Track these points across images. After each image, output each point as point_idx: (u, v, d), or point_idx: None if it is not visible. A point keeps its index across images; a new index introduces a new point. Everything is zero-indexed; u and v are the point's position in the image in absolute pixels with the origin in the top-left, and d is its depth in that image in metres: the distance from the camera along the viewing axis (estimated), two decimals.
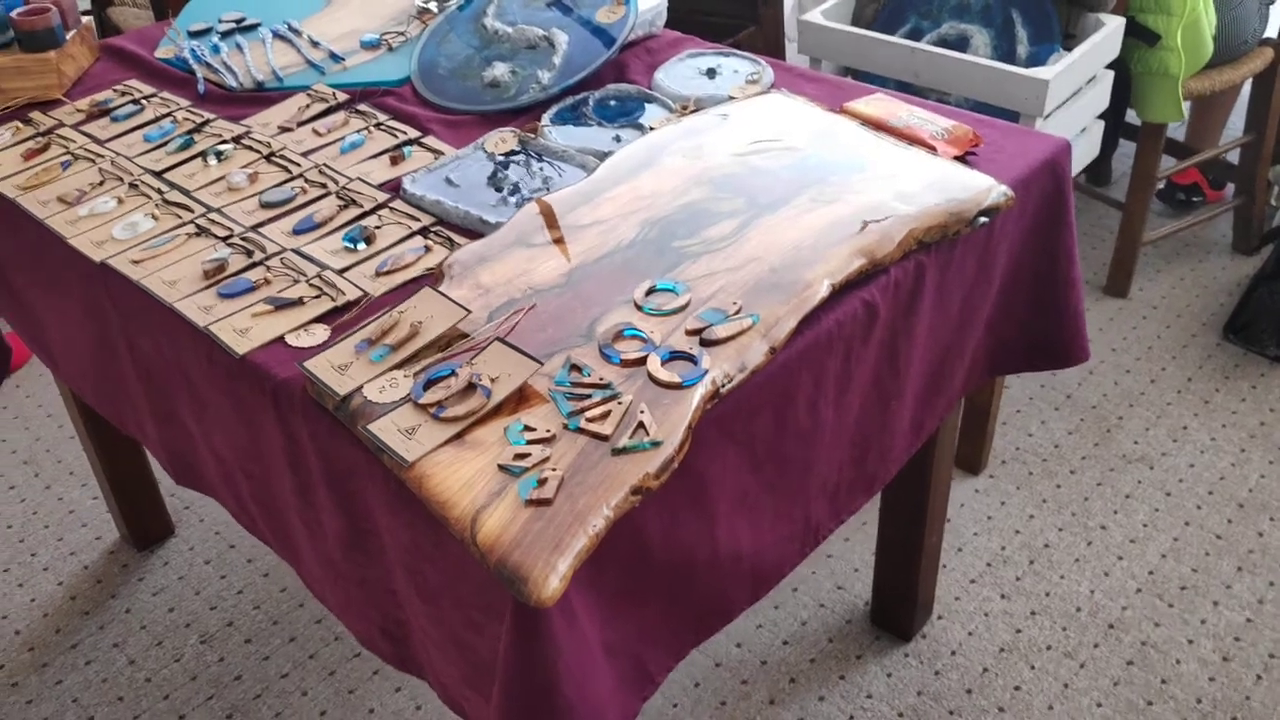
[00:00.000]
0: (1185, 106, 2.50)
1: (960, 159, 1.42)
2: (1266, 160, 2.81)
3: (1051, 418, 2.49)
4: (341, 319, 1.22)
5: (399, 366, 1.09)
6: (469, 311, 1.13)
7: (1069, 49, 2.02)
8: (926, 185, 1.32)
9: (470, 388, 1.04)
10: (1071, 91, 1.96)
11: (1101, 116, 2.22)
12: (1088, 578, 2.11)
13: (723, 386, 1.06)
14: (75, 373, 1.62)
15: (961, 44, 2.10)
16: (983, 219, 1.30)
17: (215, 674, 2.00)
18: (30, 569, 2.23)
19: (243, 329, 1.21)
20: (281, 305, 1.24)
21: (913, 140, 1.43)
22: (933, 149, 1.42)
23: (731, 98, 1.61)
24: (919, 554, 1.87)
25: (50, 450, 2.53)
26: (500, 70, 1.68)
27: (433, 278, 1.25)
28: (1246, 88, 2.80)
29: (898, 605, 1.98)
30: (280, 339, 1.20)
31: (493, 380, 1.04)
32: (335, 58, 1.82)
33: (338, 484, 1.13)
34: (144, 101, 1.72)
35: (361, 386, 1.06)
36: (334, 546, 1.21)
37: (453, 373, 1.06)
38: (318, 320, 1.23)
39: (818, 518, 1.33)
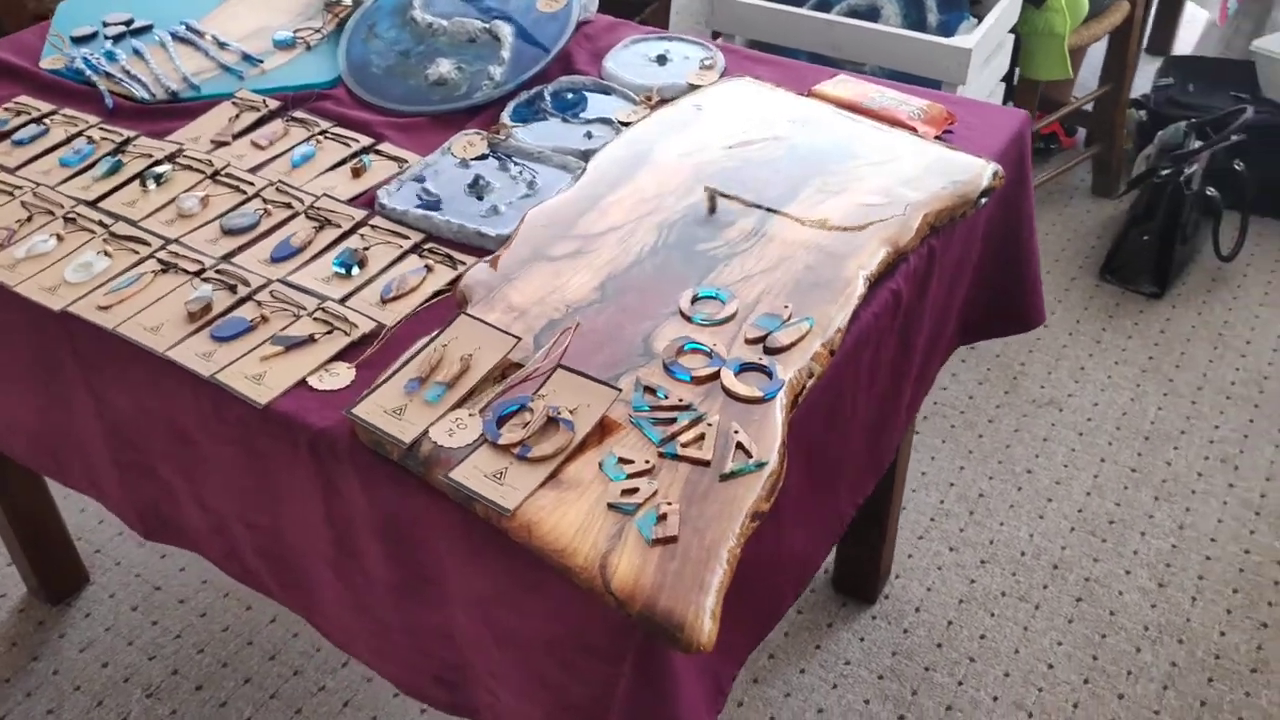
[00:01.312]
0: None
1: (939, 138, 1.44)
2: (1123, 108, 2.98)
3: (960, 370, 2.58)
4: (362, 355, 1.14)
5: (458, 405, 1.03)
6: (519, 339, 1.07)
7: (978, 16, 2.07)
8: (925, 169, 1.33)
9: (550, 422, 0.99)
10: (985, 58, 2.01)
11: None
12: (1025, 522, 2.21)
13: (799, 395, 1.05)
14: (7, 424, 1.46)
15: (872, 14, 2.12)
16: (983, 199, 1.32)
17: None
18: None
19: (255, 375, 1.12)
20: (292, 345, 1.15)
21: (892, 122, 1.44)
22: (913, 130, 1.43)
23: (691, 85, 1.57)
24: (885, 522, 1.92)
25: None
26: (445, 67, 1.60)
27: (454, 301, 1.18)
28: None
29: (860, 571, 2.02)
30: (302, 383, 1.11)
31: (571, 412, 0.99)
32: (251, 60, 1.68)
33: (392, 534, 1.06)
34: (46, 121, 1.55)
35: (427, 430, 1.00)
36: (379, 597, 1.13)
37: (524, 407, 1.01)
38: (336, 358, 1.14)
39: (843, 507, 1.34)
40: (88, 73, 1.65)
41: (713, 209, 1.18)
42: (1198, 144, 2.72)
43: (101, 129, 1.53)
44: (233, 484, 1.20)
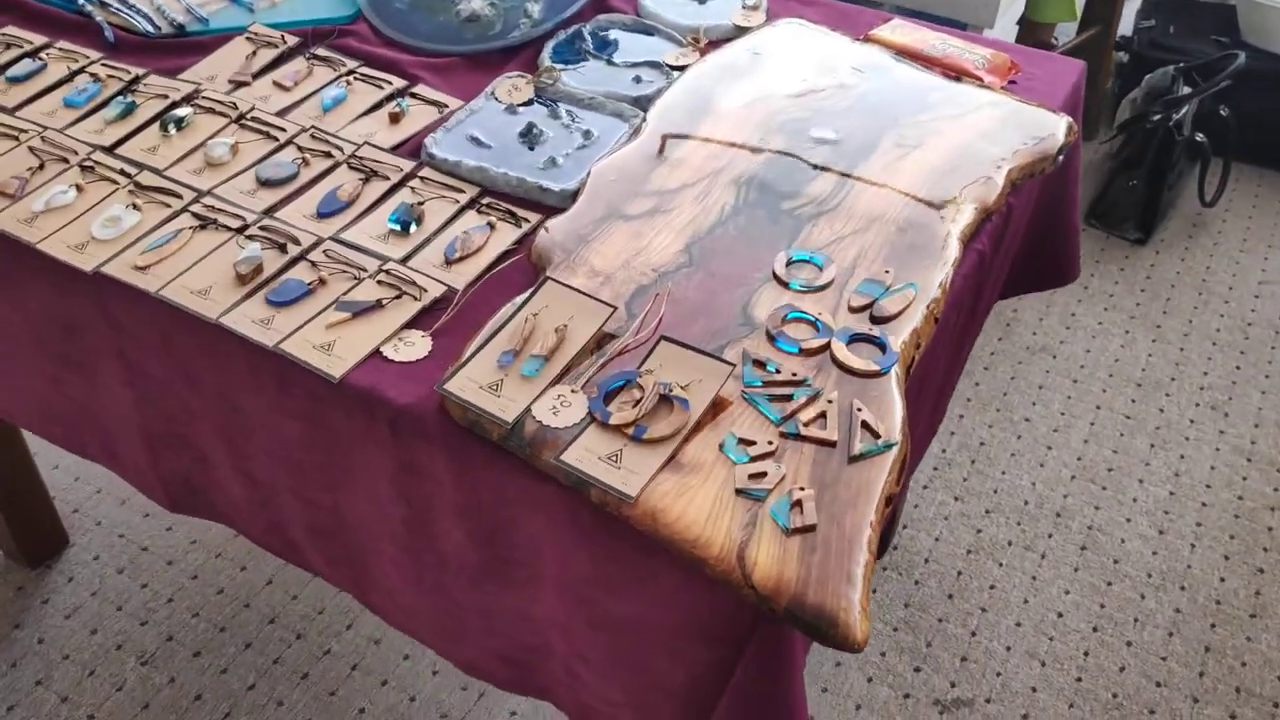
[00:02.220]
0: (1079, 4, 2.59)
1: (1004, 89, 1.39)
2: (1110, 50, 2.96)
3: None
4: (438, 323, 1.07)
5: (558, 380, 0.96)
6: (615, 308, 1.01)
7: None
8: (1002, 123, 1.29)
9: (663, 400, 0.93)
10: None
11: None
12: (1026, 470, 2.22)
13: (911, 366, 1.00)
14: (14, 396, 1.36)
15: None
16: (1060, 156, 1.29)
17: (170, 699, 1.79)
18: None
19: (323, 344, 1.04)
20: (359, 310, 1.07)
21: (958, 71, 1.39)
22: (979, 80, 1.38)
23: (738, 26, 1.50)
24: None
25: None
26: (477, 3, 1.50)
27: (526, 263, 1.11)
28: None
29: None
30: (376, 353, 1.04)
31: (684, 388, 0.93)
32: None
33: (479, 515, 1.00)
34: (42, 55, 1.42)
35: (530, 408, 0.93)
36: (454, 578, 1.08)
37: (631, 383, 0.95)
38: (409, 325, 1.07)
39: (923, 443, 1.31)
40: (81, 1, 1.51)
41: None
42: (1186, 89, 2.71)
43: (105, 65, 1.41)
44: (290, 458, 1.12)
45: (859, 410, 0.93)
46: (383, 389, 1.00)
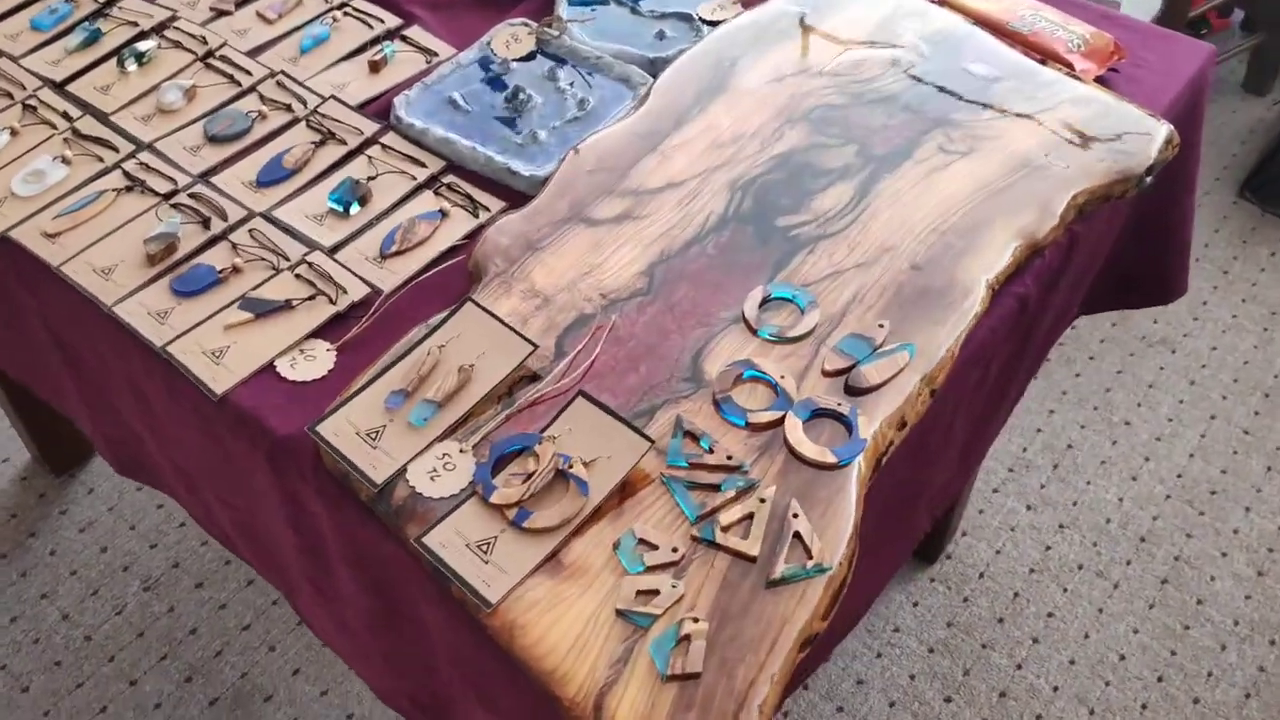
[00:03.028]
0: None
1: (1101, 79, 1.14)
2: None
3: None
4: (348, 334, 0.92)
5: (450, 433, 0.81)
6: (536, 346, 0.84)
7: None
8: (1082, 130, 1.05)
9: (559, 477, 0.77)
10: None
11: None
12: (1115, 483, 1.97)
13: (883, 456, 0.81)
14: None
15: None
16: (1148, 178, 1.04)
17: (166, 628, 1.76)
18: None
19: (216, 350, 0.91)
20: (264, 311, 0.93)
21: (1044, 53, 1.14)
22: (1069, 66, 1.13)
23: None
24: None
25: None
26: None
27: (465, 274, 0.95)
28: None
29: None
30: (270, 366, 0.90)
31: (587, 465, 0.77)
32: None
33: (364, 566, 0.87)
34: None
35: (405, 469, 0.79)
36: (354, 616, 0.96)
37: (528, 450, 0.79)
38: (315, 334, 0.93)
39: (921, 526, 1.12)
40: None
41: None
42: None
43: None
44: (200, 460, 1.01)
45: (795, 516, 0.75)
46: (264, 414, 0.87)
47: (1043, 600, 1.81)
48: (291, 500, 0.89)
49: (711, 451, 0.79)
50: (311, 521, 0.90)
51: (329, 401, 0.88)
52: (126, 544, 1.86)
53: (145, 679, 1.69)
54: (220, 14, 1.25)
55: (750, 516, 0.75)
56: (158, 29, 1.22)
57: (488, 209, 1.03)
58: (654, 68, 1.17)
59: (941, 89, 1.09)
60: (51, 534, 1.87)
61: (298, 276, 0.96)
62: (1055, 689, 1.70)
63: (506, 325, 0.85)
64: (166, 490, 1.20)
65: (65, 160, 1.06)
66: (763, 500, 0.76)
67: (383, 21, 1.23)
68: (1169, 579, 1.84)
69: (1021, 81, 1.10)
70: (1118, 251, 1.29)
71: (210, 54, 1.19)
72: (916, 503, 1.05)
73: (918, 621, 1.78)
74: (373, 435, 0.81)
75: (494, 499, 0.76)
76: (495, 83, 1.15)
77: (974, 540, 1.89)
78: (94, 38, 1.20)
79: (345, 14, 1.24)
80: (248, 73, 1.16)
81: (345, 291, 0.95)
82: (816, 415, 0.82)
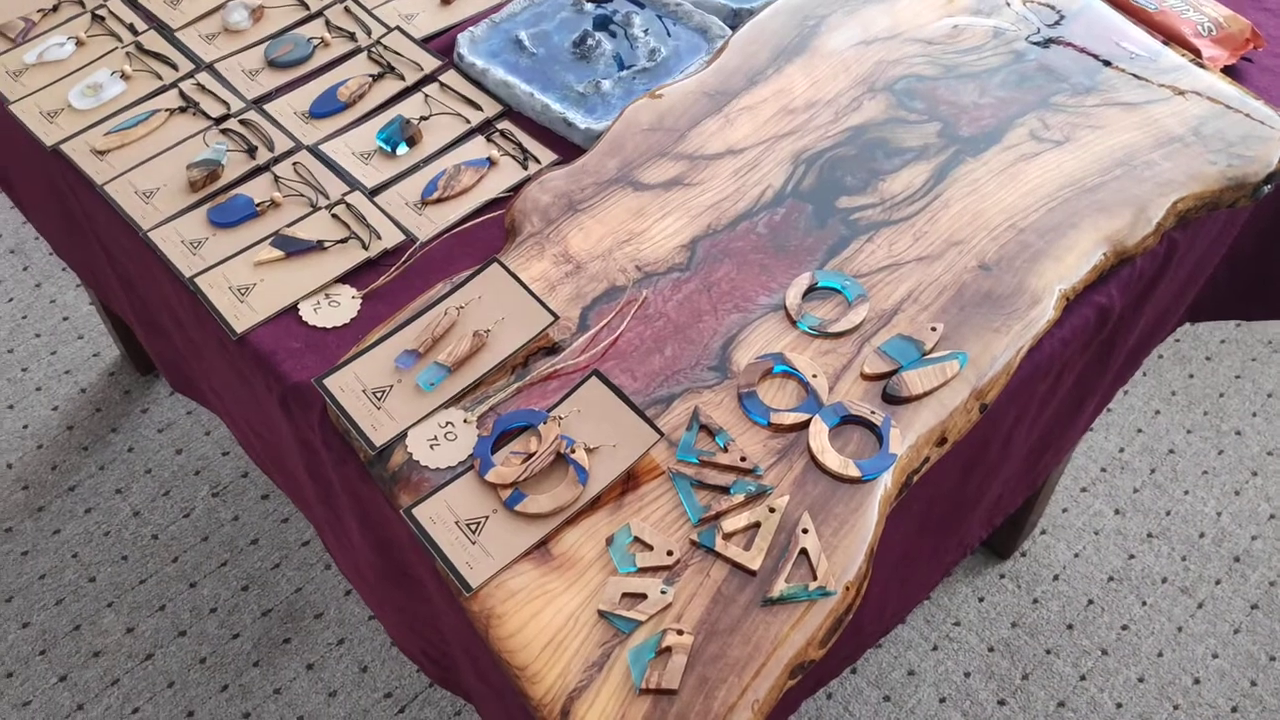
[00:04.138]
0: None
1: (1230, 69, 1.02)
2: None
3: None
4: (375, 284, 0.89)
5: (456, 400, 0.77)
6: (557, 317, 0.80)
7: None
8: (1196, 126, 0.94)
9: (559, 460, 0.73)
10: None
11: None
12: (1215, 496, 1.84)
13: (914, 475, 0.75)
14: (43, 223, 1.30)
15: None
16: (1267, 187, 0.93)
17: (229, 535, 1.79)
18: (21, 388, 1.99)
19: (242, 286, 0.89)
20: (295, 250, 0.90)
21: (1169, 35, 1.03)
22: (1195, 52, 1.01)
23: None
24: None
25: (40, 239, 2.22)
26: None
27: (502, 227, 0.90)
28: None
29: None
30: (293, 308, 0.88)
31: (590, 451, 0.72)
32: None
33: (369, 523, 0.85)
34: None
35: (406, 434, 0.75)
36: (367, 567, 0.94)
37: (533, 426, 0.75)
38: (343, 279, 0.90)
39: (973, 538, 1.05)
40: None
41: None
42: None
43: None
44: (231, 390, 1.00)
45: (804, 532, 0.69)
46: (280, 358, 0.85)
47: (1118, 611, 1.71)
48: (305, 447, 0.87)
49: (726, 450, 0.73)
50: (323, 470, 0.88)
51: (344, 349, 0.85)
52: (201, 449, 1.90)
53: (204, 583, 1.73)
54: None
55: (756, 526, 0.70)
56: None
57: (538, 161, 0.98)
58: (737, 20, 1.09)
59: (1046, 68, 0.99)
60: (132, 431, 1.92)
61: (334, 216, 0.93)
62: (1119, 705, 1.61)
63: (529, 291, 0.81)
64: (211, 409, 1.20)
65: (124, 75, 1.05)
66: (772, 510, 0.70)
67: None
68: (1260, 605, 1.72)
69: (1138, 66, 0.99)
70: (1238, 258, 1.17)
71: None
72: (967, 516, 0.97)
73: (980, 618, 1.71)
74: (379, 394, 0.78)
75: (489, 477, 0.72)
76: (568, 24, 1.09)
77: (1052, 539, 1.80)
78: None
79: None
80: None
81: (379, 237, 0.91)
82: (846, 421, 0.76)
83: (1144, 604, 1.72)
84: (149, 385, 1.99)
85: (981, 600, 1.72)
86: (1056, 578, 1.75)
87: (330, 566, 1.75)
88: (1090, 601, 1.72)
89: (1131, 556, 1.77)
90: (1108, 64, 0.99)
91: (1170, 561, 1.77)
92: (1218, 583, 1.74)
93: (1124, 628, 1.69)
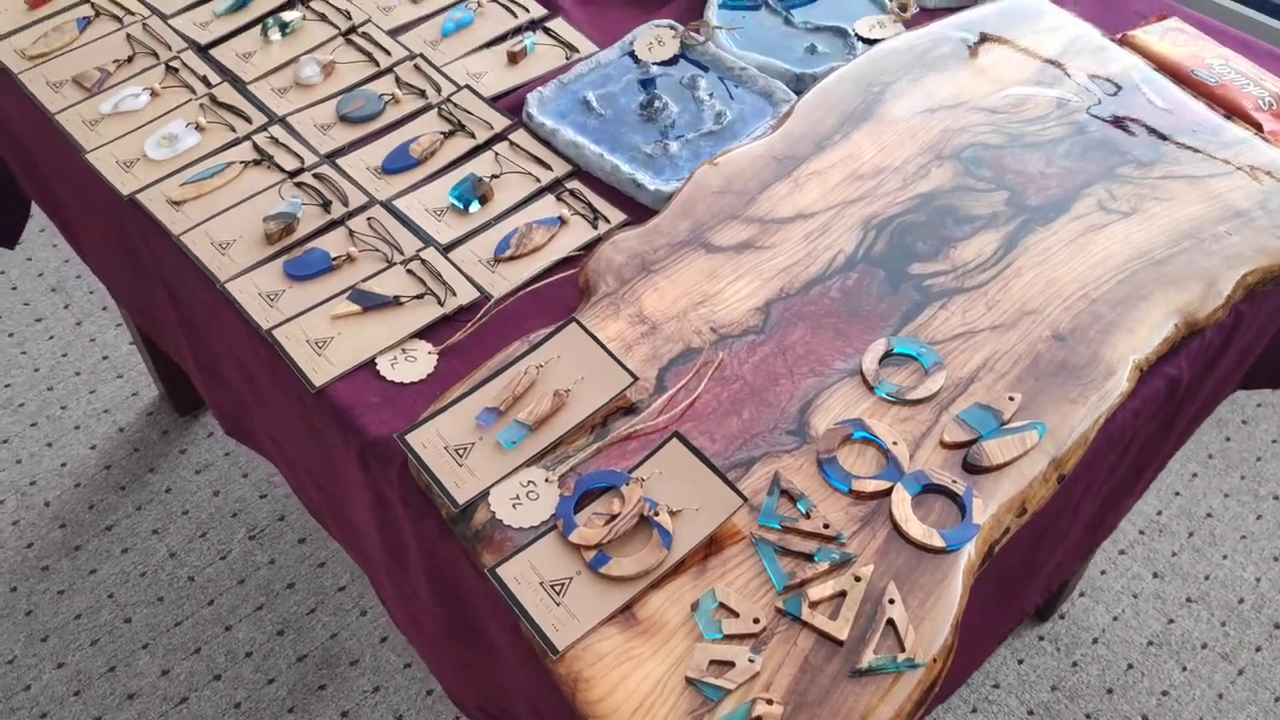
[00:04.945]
0: None
1: None
2: None
3: None
4: (451, 339, 0.90)
5: (537, 459, 0.78)
6: (636, 378, 0.80)
7: None
8: (1263, 201, 0.95)
9: (644, 523, 0.73)
10: None
11: None
12: (1254, 561, 1.83)
13: (995, 545, 0.75)
14: (102, 266, 1.31)
15: None
16: None
17: (265, 579, 1.79)
18: (60, 426, 2.00)
19: (320, 340, 0.89)
20: (372, 305, 0.91)
21: (1230, 109, 1.04)
22: (1258, 127, 1.03)
23: None
24: None
25: (82, 277, 2.24)
26: None
27: (577, 287, 0.91)
28: None
29: None
30: (371, 363, 0.89)
31: (674, 514, 0.73)
32: None
33: (441, 578, 0.85)
34: None
35: (488, 492, 0.76)
36: (429, 620, 0.94)
37: (614, 489, 0.75)
38: (419, 334, 0.91)
39: (1031, 603, 1.04)
40: None
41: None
42: None
43: None
44: (296, 440, 1.01)
45: (891, 603, 0.69)
46: (358, 413, 0.86)
47: (1158, 676, 1.70)
48: (379, 500, 0.88)
49: (808, 516, 0.74)
50: (396, 524, 0.88)
51: (424, 406, 0.86)
52: (238, 491, 1.90)
53: (240, 626, 1.73)
54: None
55: (842, 595, 0.70)
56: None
57: (608, 220, 0.99)
58: (800, 84, 1.11)
59: (1109, 140, 1.00)
60: (170, 472, 1.93)
61: (409, 272, 0.94)
62: None
63: (608, 352, 0.82)
64: (267, 457, 1.21)
65: (199, 127, 1.07)
66: (858, 579, 0.71)
67: (527, 10, 1.20)
68: None
69: (1201, 139, 1.00)
70: None
71: (353, 30, 1.18)
72: (1029, 582, 0.97)
73: (1020, 681, 1.69)
74: (461, 451, 0.78)
75: (573, 538, 0.73)
76: (633, 87, 1.11)
77: (1091, 602, 1.79)
78: (242, 2, 1.20)
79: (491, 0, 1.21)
80: (387, 52, 1.15)
81: (454, 293, 0.92)
82: (928, 490, 0.76)
83: (1184, 669, 1.71)
84: (187, 426, 2.00)
85: (1021, 663, 1.71)
86: (1096, 641, 1.74)
87: (366, 613, 1.75)
88: (1130, 666, 1.71)
89: (1171, 621, 1.76)
90: (1170, 138, 1.00)
91: (1210, 627, 1.75)
92: (1258, 649, 1.73)
93: (1164, 693, 1.68)
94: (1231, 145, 1.00)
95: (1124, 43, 1.11)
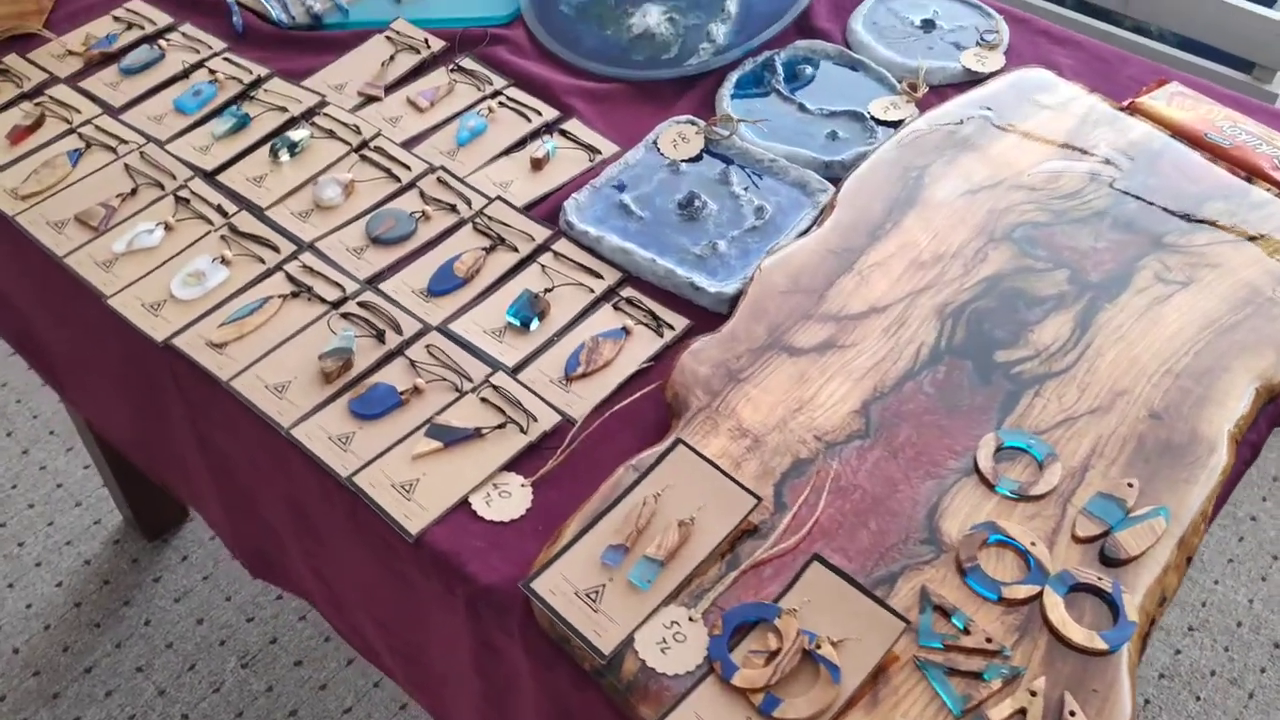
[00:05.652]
0: None
1: None
2: None
3: None
4: (542, 470, 0.86)
5: (674, 595, 0.75)
6: (760, 500, 0.78)
7: None
8: None
9: (806, 657, 0.70)
10: None
11: None
12: (1244, 584, 1.89)
13: (1146, 639, 0.74)
14: (100, 414, 1.24)
15: None
16: None
17: (265, 710, 1.70)
18: (19, 565, 1.87)
19: (405, 483, 0.85)
20: (453, 440, 0.87)
21: (1248, 170, 1.07)
22: (1278, 185, 1.06)
23: (968, 70, 1.22)
24: None
25: (23, 400, 2.12)
26: (653, 17, 1.26)
27: (661, 394, 0.89)
28: None
29: None
30: (464, 502, 0.85)
31: (835, 645, 0.71)
32: None
33: None
34: (162, 42, 1.26)
35: (632, 636, 0.72)
36: None
37: (766, 622, 0.72)
38: (508, 466, 0.87)
39: None
40: None
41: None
42: None
43: (227, 59, 1.24)
44: (365, 584, 0.95)
45: (1071, 715, 0.68)
46: (464, 558, 0.81)
47: (1176, 709, 1.73)
48: (485, 648, 0.83)
49: (968, 632, 0.72)
50: (506, 673, 0.84)
51: (527, 543, 0.82)
52: (223, 616, 1.81)
53: None
54: (369, 100, 1.20)
55: (1022, 712, 0.69)
56: (307, 115, 1.17)
57: (671, 327, 0.97)
58: (829, 171, 1.11)
59: (1148, 209, 1.02)
60: (146, 603, 1.82)
61: (483, 400, 0.90)
62: None
63: (725, 474, 0.79)
64: (302, 596, 1.15)
65: (225, 261, 1.02)
66: (1033, 693, 0.69)
67: (539, 114, 1.18)
68: None
69: (1231, 203, 1.03)
70: None
71: (365, 144, 1.14)
72: None
73: None
74: (593, 596, 0.75)
75: (737, 680, 0.70)
76: (666, 186, 1.09)
77: None
78: (243, 123, 1.16)
79: (500, 104, 1.19)
80: (406, 167, 1.11)
81: (535, 419, 0.89)
82: (1074, 590, 0.75)
83: (1198, 699, 1.74)
84: (158, 552, 1.90)
85: None
86: None
87: None
88: (1147, 701, 1.74)
89: (1178, 652, 1.80)
90: (1204, 203, 1.03)
91: (1215, 654, 1.79)
92: (1263, 670, 1.77)
93: None
94: (1261, 206, 1.03)
95: (1133, 110, 1.14)
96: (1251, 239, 0.99)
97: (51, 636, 1.78)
